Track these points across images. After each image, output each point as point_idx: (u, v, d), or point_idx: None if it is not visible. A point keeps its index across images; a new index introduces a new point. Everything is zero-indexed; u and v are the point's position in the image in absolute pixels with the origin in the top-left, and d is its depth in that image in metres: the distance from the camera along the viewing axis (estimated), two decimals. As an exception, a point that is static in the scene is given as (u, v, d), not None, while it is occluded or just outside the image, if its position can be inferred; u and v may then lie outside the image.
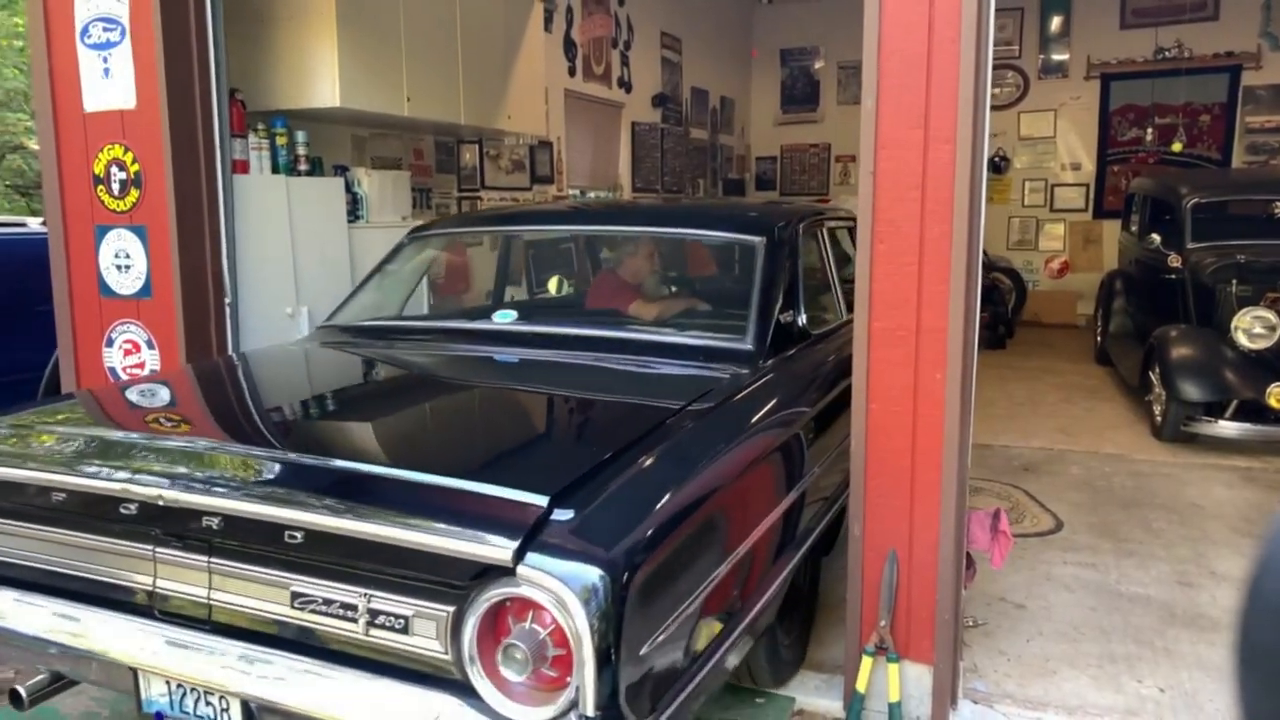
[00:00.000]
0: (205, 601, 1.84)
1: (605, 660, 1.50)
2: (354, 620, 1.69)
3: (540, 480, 1.68)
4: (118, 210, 3.48)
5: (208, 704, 1.83)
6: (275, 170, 3.98)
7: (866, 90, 2.37)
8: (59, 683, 2.11)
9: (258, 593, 1.79)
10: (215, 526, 1.77)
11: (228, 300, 3.57)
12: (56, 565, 2.02)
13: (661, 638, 1.67)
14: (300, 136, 4.12)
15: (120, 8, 3.37)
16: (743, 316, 2.73)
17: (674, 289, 3.53)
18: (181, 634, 1.86)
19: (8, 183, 9.25)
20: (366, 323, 3.11)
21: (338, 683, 1.69)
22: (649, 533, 1.67)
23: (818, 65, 11.16)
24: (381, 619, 1.66)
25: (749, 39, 11.25)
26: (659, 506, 1.74)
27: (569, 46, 7.25)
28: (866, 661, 2.54)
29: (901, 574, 2.53)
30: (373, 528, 1.61)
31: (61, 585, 2.01)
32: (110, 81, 3.42)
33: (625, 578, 1.54)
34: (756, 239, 2.92)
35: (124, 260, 3.49)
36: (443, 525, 1.57)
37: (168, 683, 1.86)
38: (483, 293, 3.66)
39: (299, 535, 1.69)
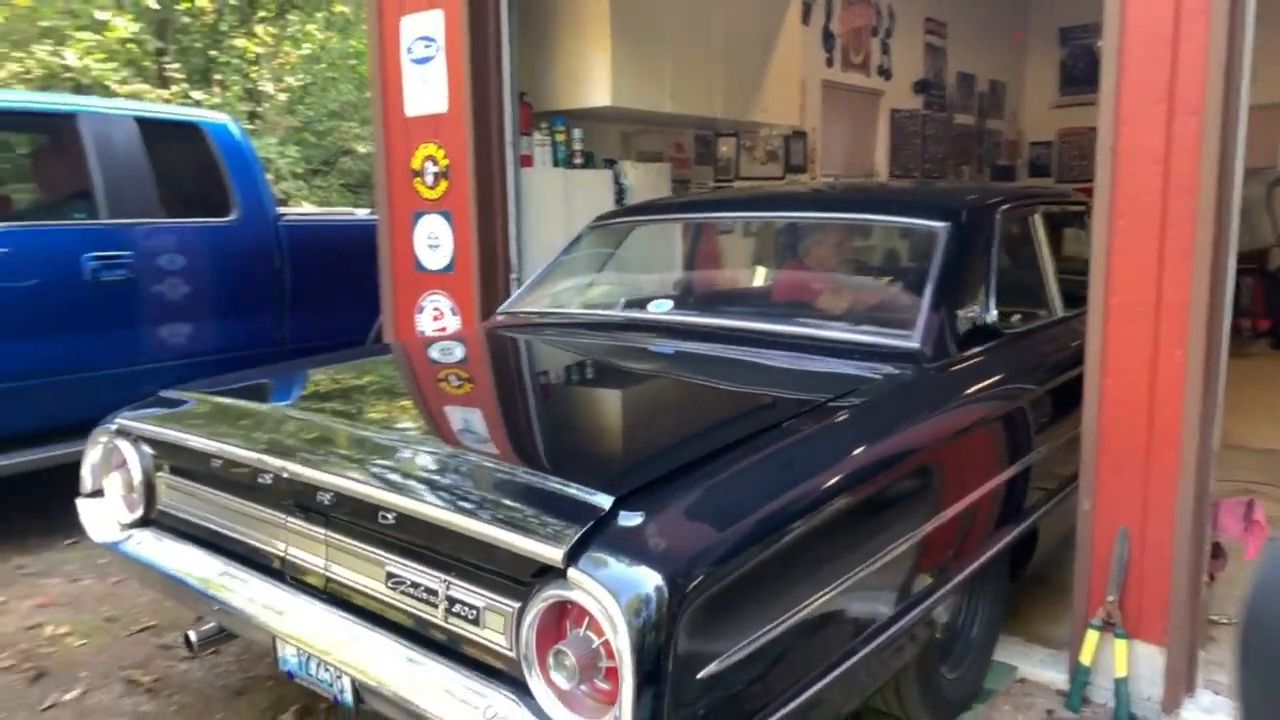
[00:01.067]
0: (323, 573, 1.92)
1: (650, 679, 1.38)
2: (435, 605, 1.69)
3: (614, 479, 1.62)
4: (430, 198, 4.13)
5: (326, 671, 1.88)
6: (555, 164, 4.51)
7: (1106, 64, 2.40)
8: (225, 633, 2.26)
9: (361, 569, 1.85)
10: (328, 501, 1.85)
11: (514, 276, 4.12)
12: (222, 526, 2.18)
13: (734, 662, 1.50)
14: (577, 134, 4.64)
15: (436, 28, 4.00)
16: (911, 310, 2.48)
17: (848, 279, 3.19)
18: (304, 602, 1.94)
19: (341, 182, 10.86)
20: (527, 309, 3.13)
21: (426, 670, 1.67)
22: (724, 545, 1.53)
23: (1101, 44, 10.39)
24: (458, 607, 1.65)
25: (1024, 19, 10.70)
26: (742, 517, 1.59)
27: (827, 38, 7.37)
28: (1092, 635, 2.55)
29: (1134, 552, 2.52)
30: (441, 514, 1.62)
31: (226, 546, 2.17)
32: (428, 90, 4.07)
33: (684, 591, 1.41)
34: (937, 225, 2.64)
35: (434, 240, 4.15)
36: (505, 518, 1.55)
37: (296, 646, 1.93)
38: (662, 281, 3.47)
39: (390, 516, 1.72)
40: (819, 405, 2.04)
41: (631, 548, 1.45)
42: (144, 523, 2.39)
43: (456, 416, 2.35)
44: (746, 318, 2.80)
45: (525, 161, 4.30)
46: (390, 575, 1.78)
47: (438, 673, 1.65)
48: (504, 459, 1.87)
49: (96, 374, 3.92)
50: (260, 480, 2.00)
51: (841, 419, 2.01)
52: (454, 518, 1.60)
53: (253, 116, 11.63)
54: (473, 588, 1.63)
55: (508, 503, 1.60)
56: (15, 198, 4.63)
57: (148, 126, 4.21)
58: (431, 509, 1.65)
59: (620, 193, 4.91)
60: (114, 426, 2.42)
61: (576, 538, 1.45)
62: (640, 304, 3.02)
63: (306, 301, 4.79)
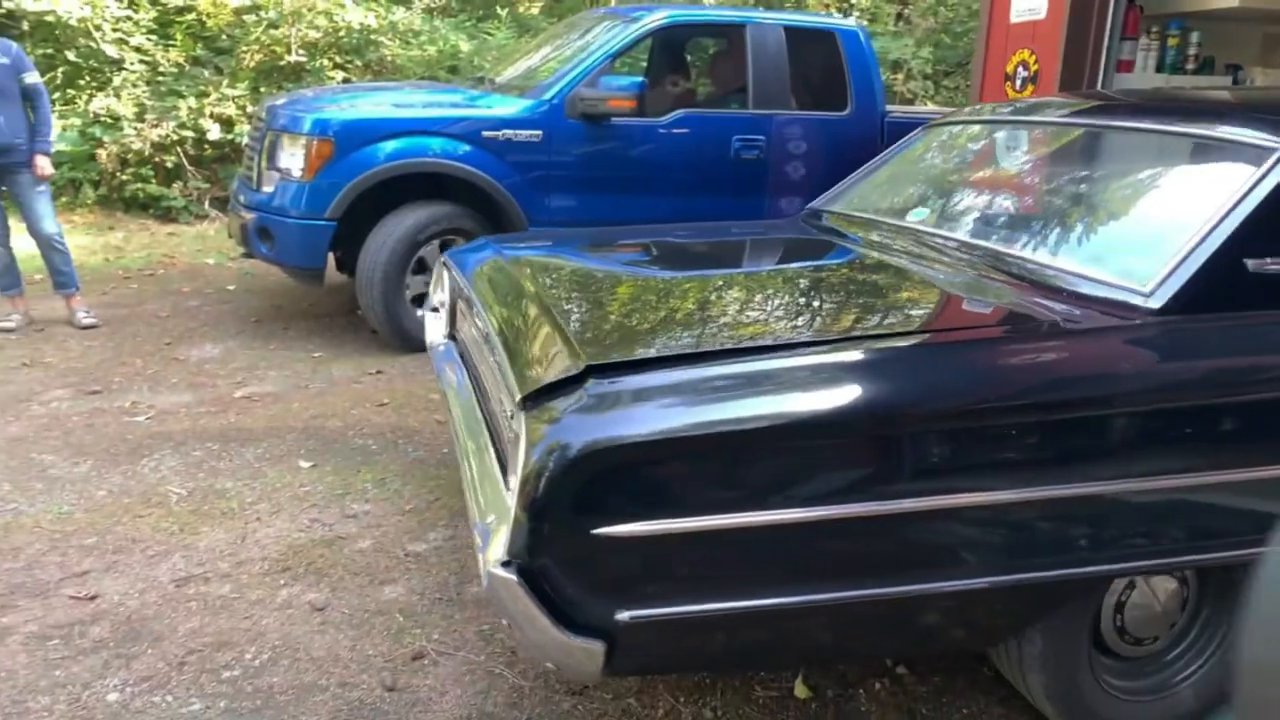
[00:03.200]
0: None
1: (534, 515, 1.50)
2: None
3: (602, 350, 1.75)
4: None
5: None
6: (1159, 70, 4.41)
7: None
8: None
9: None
10: None
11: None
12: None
13: (647, 543, 1.55)
14: (1194, 37, 4.42)
15: (1054, -66, 4.20)
16: (1163, 249, 1.92)
17: (1114, 205, 2.34)
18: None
19: (969, 83, 11.14)
20: (828, 207, 2.98)
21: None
22: (659, 433, 1.55)
23: None
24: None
25: None
26: (690, 418, 1.58)
27: None
28: None
29: None
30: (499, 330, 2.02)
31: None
32: (1031, -2, 4.33)
33: (601, 457, 1.50)
34: (1261, 143, 1.97)
35: (1009, 141, 4.47)
36: (526, 355, 1.84)
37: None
38: (944, 191, 2.86)
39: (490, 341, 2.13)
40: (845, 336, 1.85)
41: (573, 408, 1.57)
42: (450, 338, 2.86)
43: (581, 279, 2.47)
44: (988, 237, 2.38)
45: (1123, 67, 4.31)
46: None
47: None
48: (558, 317, 1.99)
49: (726, 228, 5.14)
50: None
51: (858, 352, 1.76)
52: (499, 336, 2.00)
53: (899, 18, 12.40)
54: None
55: (535, 345, 1.87)
56: (698, 90, 6.07)
57: (793, 33, 5.19)
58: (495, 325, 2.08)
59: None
60: (444, 258, 2.91)
61: (536, 388, 1.63)
62: (905, 212, 2.76)
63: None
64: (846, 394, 1.64)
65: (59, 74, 7.70)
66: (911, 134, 3.17)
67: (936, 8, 11.43)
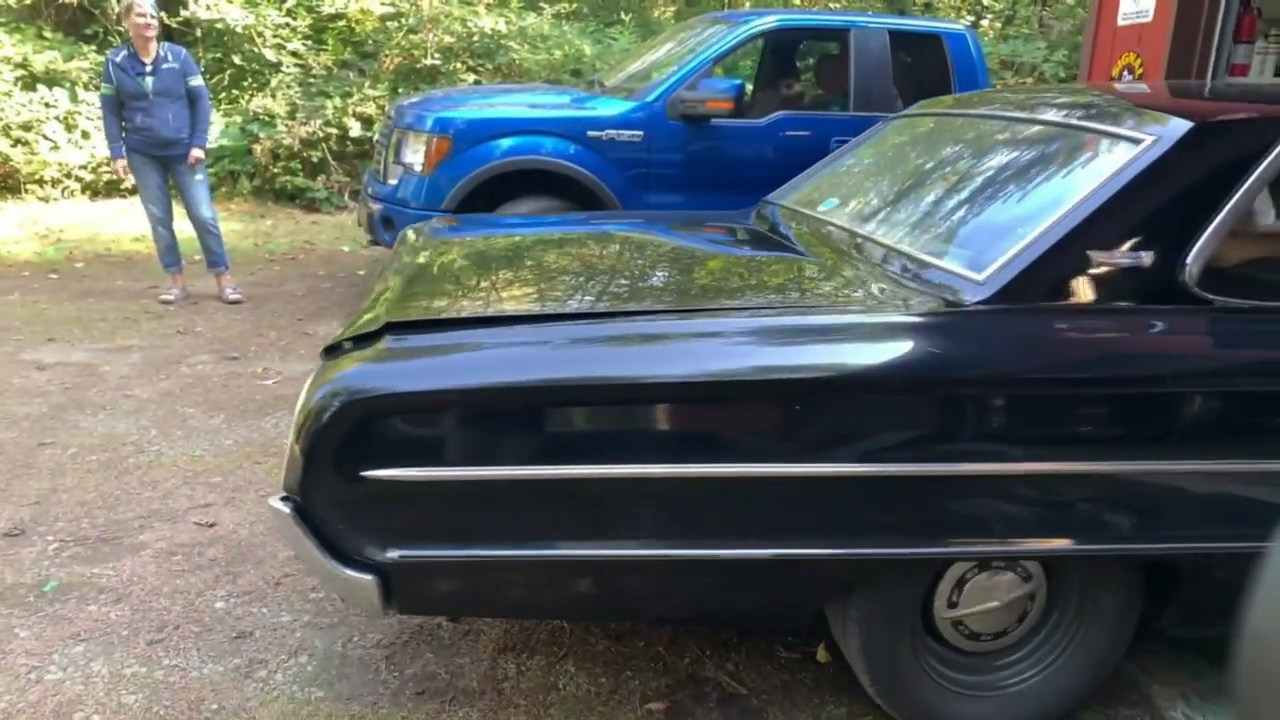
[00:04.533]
0: None
1: (306, 453, 1.65)
2: None
3: (412, 310, 1.90)
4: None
5: None
6: (1276, 73, 4.25)
7: None
8: None
9: None
10: None
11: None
12: None
13: (419, 486, 1.66)
14: (1320, 39, 4.24)
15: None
16: (1007, 239, 1.86)
17: (975, 194, 2.25)
18: None
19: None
20: (773, 198, 2.90)
21: None
22: (431, 391, 1.67)
23: None
24: None
25: None
26: (466, 382, 1.69)
27: None
28: None
29: None
30: None
31: None
32: (1140, 1, 4.25)
33: (373, 403, 1.63)
34: (1123, 135, 1.92)
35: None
36: (363, 312, 1.98)
37: None
38: (864, 185, 2.78)
39: None
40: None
41: (361, 359, 1.71)
42: None
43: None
44: (871, 225, 2.34)
45: (1237, 71, 4.18)
46: None
47: None
48: None
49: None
50: None
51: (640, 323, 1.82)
52: None
53: (1041, 23, 12.02)
54: None
55: (376, 306, 2.01)
56: (805, 94, 6.18)
57: (897, 37, 5.24)
58: None
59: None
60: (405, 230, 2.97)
61: (338, 340, 1.81)
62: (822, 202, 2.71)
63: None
64: (608, 363, 1.72)
65: (225, 76, 8.51)
66: (871, 128, 3.09)
67: (1074, 10, 11.05)
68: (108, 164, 5.15)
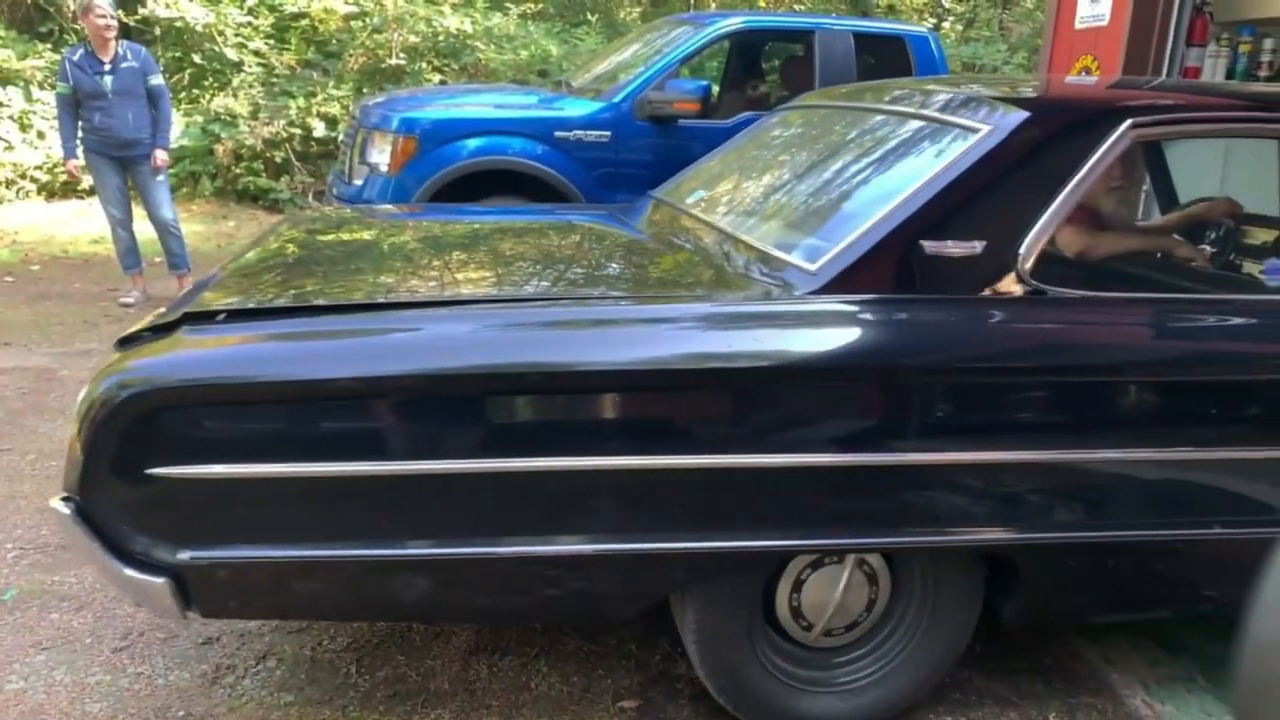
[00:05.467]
0: None
1: (86, 450, 1.56)
2: None
3: (217, 300, 1.81)
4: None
5: None
6: (1229, 76, 4.35)
7: None
8: None
9: None
10: None
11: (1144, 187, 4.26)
12: None
13: (193, 479, 1.58)
14: (1268, 43, 4.34)
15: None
16: (842, 229, 1.86)
17: (828, 182, 2.25)
18: None
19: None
20: (656, 193, 2.83)
21: None
22: (216, 381, 1.59)
23: None
24: None
25: None
26: (264, 365, 1.63)
27: None
28: None
29: None
30: None
31: None
32: (1096, 4, 4.34)
33: (157, 396, 1.55)
34: (961, 124, 1.92)
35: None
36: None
37: None
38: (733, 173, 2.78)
39: None
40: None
41: (151, 351, 1.64)
42: None
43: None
44: (726, 216, 2.33)
45: (1189, 74, 4.28)
46: None
47: None
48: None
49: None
50: None
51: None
52: None
53: (1001, 26, 12.21)
54: None
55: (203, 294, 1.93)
56: (770, 95, 6.22)
57: (861, 38, 5.30)
58: None
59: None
60: None
61: (126, 335, 1.74)
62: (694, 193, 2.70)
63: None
64: (394, 356, 1.64)
65: (186, 75, 8.38)
66: (756, 122, 3.07)
67: (1033, 13, 11.23)
68: (63, 165, 5.05)
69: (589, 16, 10.19)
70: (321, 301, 1.82)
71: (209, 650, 2.22)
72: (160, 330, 1.71)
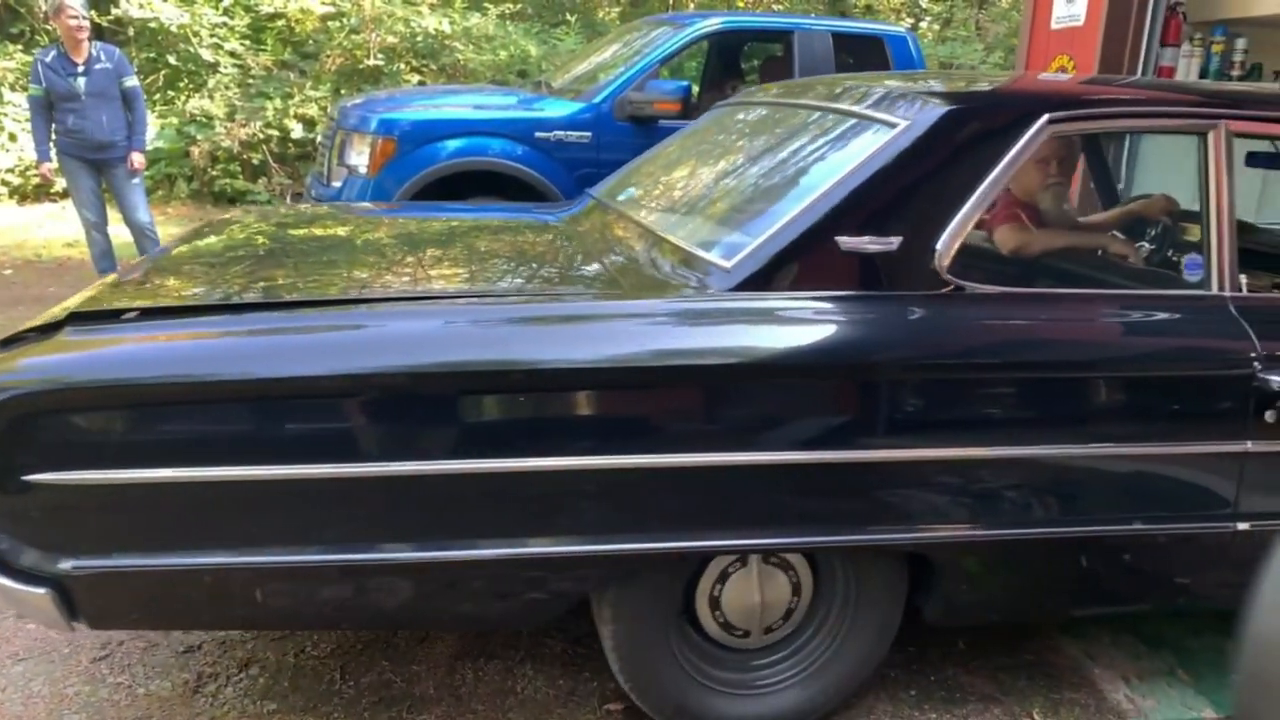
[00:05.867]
0: None
1: None
2: None
3: (109, 300, 1.76)
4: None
5: None
6: (1202, 76, 4.40)
7: None
8: None
9: None
10: None
11: (1118, 185, 4.30)
12: None
13: (74, 485, 1.52)
14: (1240, 44, 4.41)
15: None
16: (759, 225, 1.85)
17: (751, 178, 2.26)
18: None
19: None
20: (592, 191, 2.80)
21: None
22: (94, 384, 1.54)
23: None
24: None
25: None
26: (141, 367, 1.57)
27: None
28: None
29: None
30: None
31: None
32: (1072, 4, 4.38)
33: (29, 400, 1.49)
34: (880, 120, 1.90)
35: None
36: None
37: None
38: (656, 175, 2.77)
39: None
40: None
41: (31, 353, 1.58)
42: None
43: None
44: (652, 215, 2.32)
45: (1163, 73, 4.33)
46: None
47: None
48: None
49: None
50: None
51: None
52: None
53: (978, 25, 12.30)
54: None
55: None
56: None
57: (840, 38, 5.32)
58: None
59: None
60: None
61: (12, 334, 1.68)
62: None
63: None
64: (281, 358, 1.59)
65: (160, 76, 8.30)
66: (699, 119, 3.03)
67: (1009, 13, 11.33)
68: (36, 167, 4.99)
69: (568, 16, 10.16)
70: (215, 301, 1.80)
71: (190, 659, 2.20)
72: (45, 330, 1.65)
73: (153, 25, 8.08)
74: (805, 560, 1.91)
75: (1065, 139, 2.34)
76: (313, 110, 8.15)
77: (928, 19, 12.40)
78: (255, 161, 8.11)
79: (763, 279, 1.73)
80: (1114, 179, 3.00)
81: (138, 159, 4.94)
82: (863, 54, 5.49)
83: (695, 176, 2.49)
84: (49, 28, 7.23)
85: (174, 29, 8.09)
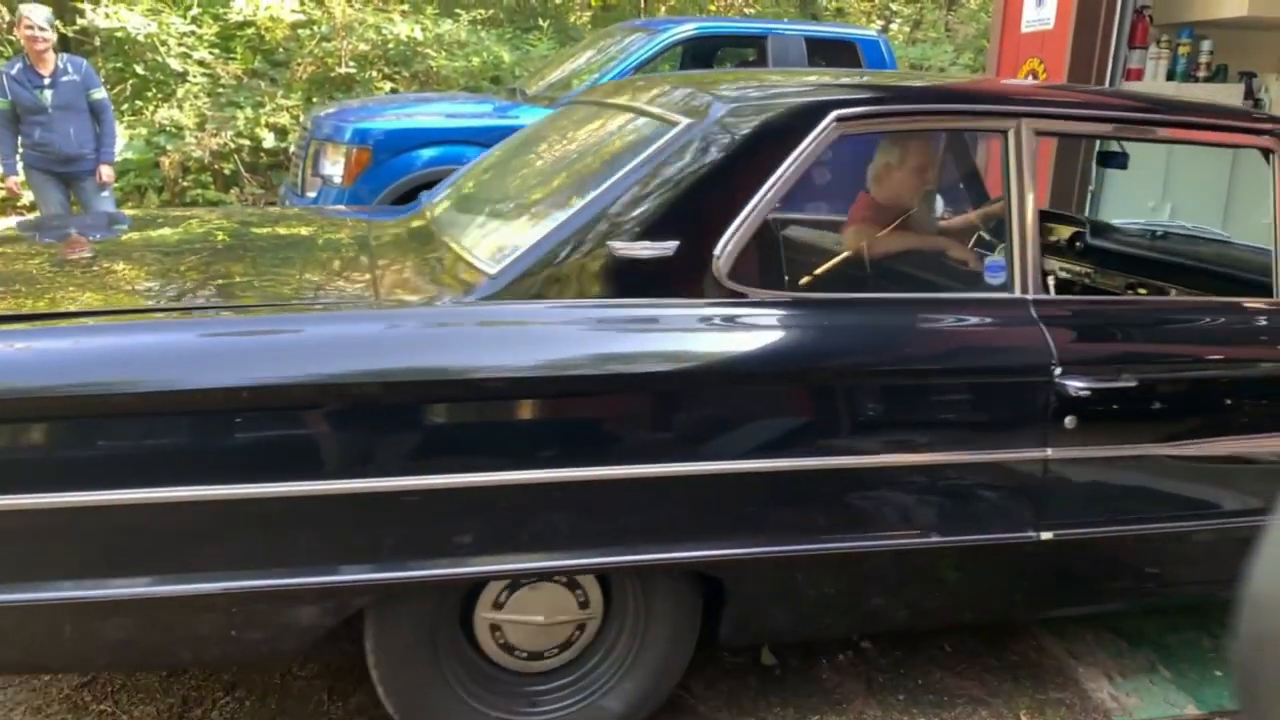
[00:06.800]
0: None
1: None
2: None
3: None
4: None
5: None
6: (1170, 78, 4.47)
7: None
8: None
9: None
10: None
11: (1090, 188, 4.36)
12: None
13: None
14: (1205, 45, 4.48)
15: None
16: (532, 230, 1.77)
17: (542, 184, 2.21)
18: None
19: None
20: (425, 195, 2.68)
21: None
22: None
23: None
24: None
25: None
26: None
27: None
28: None
29: None
30: None
31: None
32: (1041, 8, 4.43)
33: None
34: (677, 120, 1.80)
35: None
36: None
37: None
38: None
39: None
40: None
41: None
42: None
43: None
44: (456, 216, 2.24)
45: (1132, 75, 4.39)
46: None
47: None
48: None
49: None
50: None
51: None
52: None
53: (947, 27, 12.43)
54: None
55: None
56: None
57: (813, 43, 5.37)
58: None
59: (1255, 106, 4.60)
60: None
61: None
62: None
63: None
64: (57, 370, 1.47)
65: (128, 86, 8.19)
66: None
67: (978, 14, 11.45)
68: (2, 181, 4.92)
69: (540, 22, 10.15)
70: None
71: (174, 683, 2.17)
72: None
73: (119, 35, 7.99)
74: (594, 579, 1.81)
75: (859, 138, 2.10)
76: (285, 119, 8.08)
77: (898, 21, 12.50)
78: (227, 171, 8.02)
79: (527, 286, 1.63)
80: (982, 181, 2.79)
81: (106, 172, 4.88)
82: (835, 57, 5.53)
83: (503, 180, 2.37)
84: (14, 39, 7.12)
85: (141, 38, 7.99)
